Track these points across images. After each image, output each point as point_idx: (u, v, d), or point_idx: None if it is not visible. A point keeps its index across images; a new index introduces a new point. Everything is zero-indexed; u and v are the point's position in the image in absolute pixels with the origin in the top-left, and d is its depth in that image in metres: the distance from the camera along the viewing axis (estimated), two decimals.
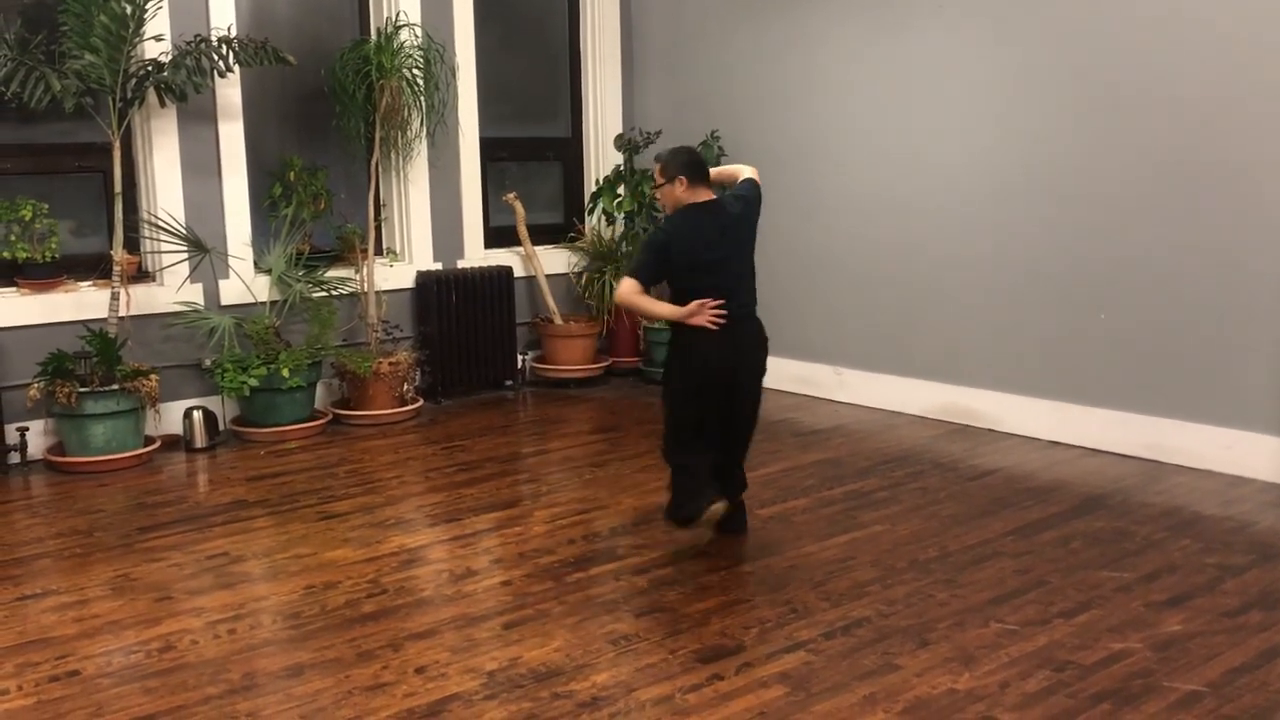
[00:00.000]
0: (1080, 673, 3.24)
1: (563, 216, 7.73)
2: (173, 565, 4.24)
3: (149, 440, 5.72)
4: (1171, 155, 5.15)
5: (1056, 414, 5.67)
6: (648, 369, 7.32)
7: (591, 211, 7.46)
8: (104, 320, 5.60)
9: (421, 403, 6.65)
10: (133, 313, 5.79)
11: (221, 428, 6.09)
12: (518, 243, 7.22)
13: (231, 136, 6.14)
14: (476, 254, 7.13)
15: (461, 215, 7.06)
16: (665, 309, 4.15)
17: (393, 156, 6.68)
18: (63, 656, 3.46)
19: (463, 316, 6.86)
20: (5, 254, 5.56)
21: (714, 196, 4.27)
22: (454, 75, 6.82)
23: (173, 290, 5.99)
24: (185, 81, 5.63)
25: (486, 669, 3.32)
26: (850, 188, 6.51)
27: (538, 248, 7.30)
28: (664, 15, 7.50)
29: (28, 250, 5.57)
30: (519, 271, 7.22)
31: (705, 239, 4.16)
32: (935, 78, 6.03)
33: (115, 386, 5.43)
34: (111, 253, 5.66)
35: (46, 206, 5.62)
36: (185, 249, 5.96)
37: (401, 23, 6.47)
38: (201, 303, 6.07)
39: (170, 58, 5.68)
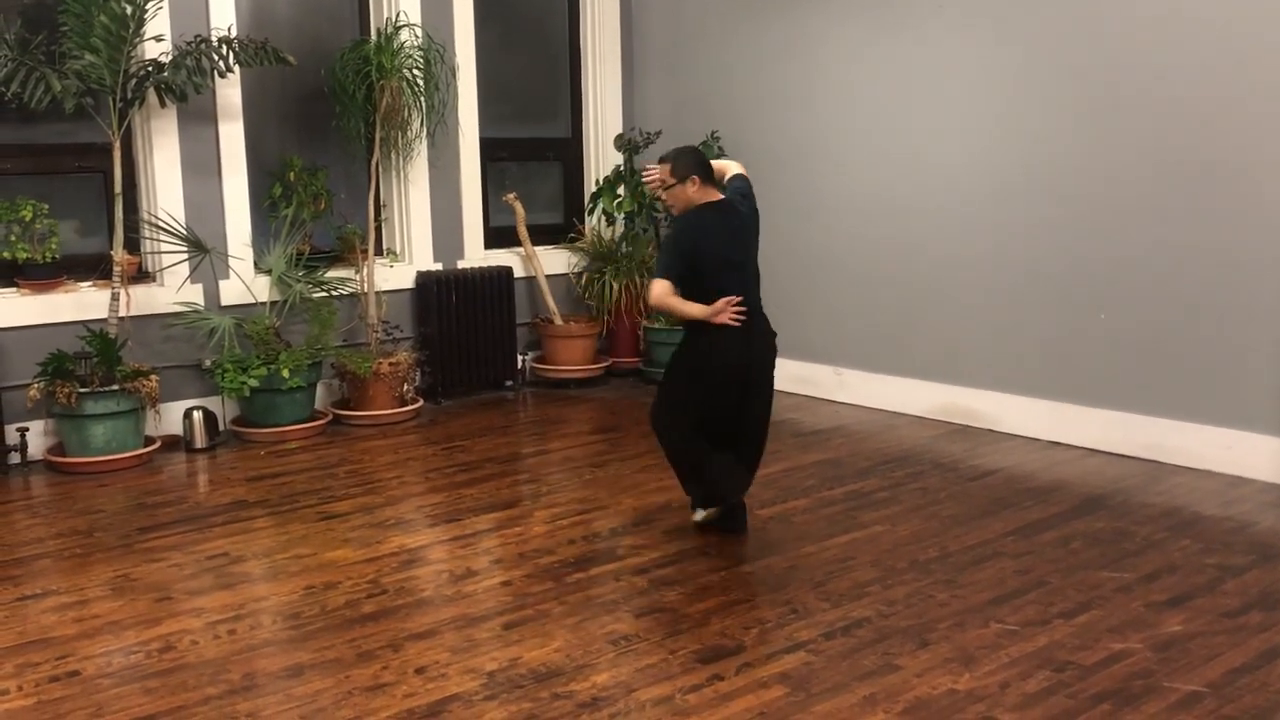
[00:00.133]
0: (1080, 673, 3.24)
1: (563, 217, 7.73)
2: (173, 565, 4.24)
3: (149, 440, 5.72)
4: (1171, 155, 5.15)
5: (1056, 414, 5.67)
6: (648, 369, 7.32)
7: (591, 212, 7.46)
8: (104, 320, 5.60)
9: (421, 403, 6.66)
10: (133, 313, 5.79)
11: (221, 428, 6.09)
12: (518, 243, 7.22)
13: (232, 137, 6.14)
14: (476, 254, 7.13)
15: (461, 215, 7.06)
16: (695, 308, 4.13)
17: (393, 157, 6.68)
18: (63, 657, 3.46)
19: (463, 317, 6.86)
20: (5, 254, 5.56)
21: (721, 196, 4.29)
22: (454, 75, 6.82)
23: (173, 290, 5.99)
24: (185, 82, 5.64)
25: (486, 669, 3.32)
26: (850, 188, 6.51)
27: (538, 248, 7.30)
28: (664, 15, 7.51)
29: (28, 250, 5.57)
30: (519, 272, 7.22)
31: (721, 238, 4.22)
32: (935, 78, 6.03)
33: (115, 387, 5.43)
34: (112, 253, 5.66)
35: (47, 207, 5.62)
36: (185, 249, 5.96)
37: (401, 23, 6.47)
38: (202, 303, 6.07)
39: (170, 58, 5.69)
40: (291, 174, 6.33)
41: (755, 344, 4.23)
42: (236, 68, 5.81)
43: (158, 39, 5.68)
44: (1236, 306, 5.00)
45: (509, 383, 7.20)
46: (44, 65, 5.33)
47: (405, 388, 6.54)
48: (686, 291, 4.18)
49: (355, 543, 4.44)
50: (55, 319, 5.65)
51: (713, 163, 4.71)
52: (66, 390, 5.32)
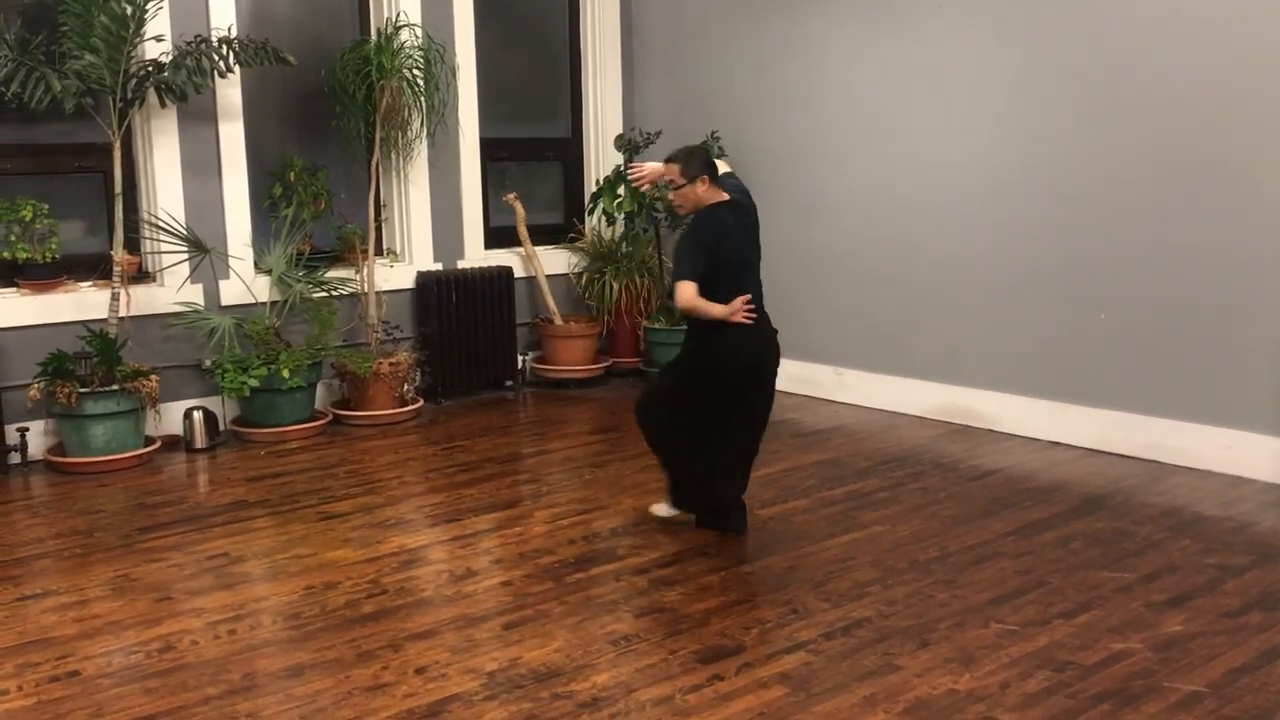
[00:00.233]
0: (1081, 673, 3.24)
1: (563, 217, 7.73)
2: (173, 565, 4.24)
3: (149, 441, 5.72)
4: (1171, 155, 5.15)
5: (1056, 414, 5.67)
6: (648, 369, 7.33)
7: (591, 212, 7.46)
8: (104, 320, 5.60)
9: (422, 403, 6.65)
10: (133, 313, 5.78)
11: (222, 428, 6.09)
12: (518, 243, 7.22)
13: (232, 137, 6.14)
14: (477, 254, 7.13)
15: (462, 215, 7.06)
16: (718, 309, 4.13)
17: (393, 157, 6.68)
18: (63, 657, 3.46)
19: (463, 317, 6.86)
20: (5, 254, 5.56)
21: (727, 195, 4.30)
22: (454, 75, 6.82)
23: (173, 290, 5.99)
24: (185, 82, 5.63)
25: (486, 669, 3.32)
26: (850, 188, 6.51)
27: (538, 248, 7.30)
28: (664, 15, 7.50)
29: (28, 250, 5.57)
30: (519, 272, 7.22)
31: (736, 237, 4.25)
32: (935, 78, 6.03)
33: (115, 387, 5.43)
34: (112, 253, 5.66)
35: (47, 207, 5.62)
36: (185, 249, 5.96)
37: (402, 23, 6.47)
38: (202, 303, 6.07)
39: (170, 58, 5.68)
40: (292, 174, 6.33)
41: (766, 342, 4.30)
42: (237, 68, 5.81)
43: (158, 39, 5.68)
44: (1236, 306, 5.00)
45: (509, 383, 7.20)
46: (44, 65, 5.33)
47: (405, 388, 6.54)
48: (702, 291, 4.18)
49: (355, 543, 4.44)
50: (55, 319, 5.65)
51: None
52: (67, 390, 5.32)
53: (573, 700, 3.12)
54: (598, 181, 7.51)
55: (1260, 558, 4.11)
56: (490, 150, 7.25)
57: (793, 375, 6.79)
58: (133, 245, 5.88)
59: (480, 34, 7.04)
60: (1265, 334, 4.93)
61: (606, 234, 7.52)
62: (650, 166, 4.83)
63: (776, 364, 4.36)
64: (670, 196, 4.36)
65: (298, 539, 4.50)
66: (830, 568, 4.08)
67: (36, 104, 5.26)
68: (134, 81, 5.56)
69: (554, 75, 7.67)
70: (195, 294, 6.06)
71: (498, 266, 7.08)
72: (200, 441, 5.87)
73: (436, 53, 6.56)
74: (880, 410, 6.43)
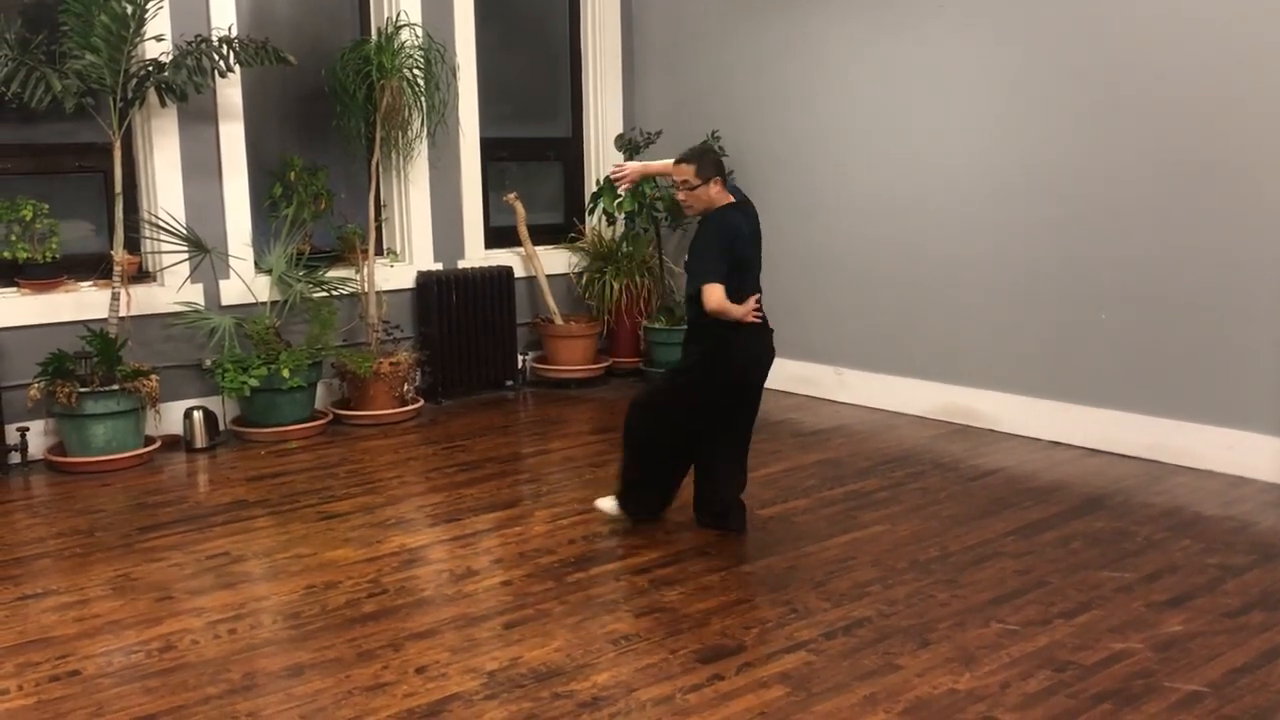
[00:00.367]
0: (1081, 673, 3.24)
1: (563, 217, 7.73)
2: (173, 565, 4.24)
3: (149, 440, 5.72)
4: (1171, 155, 5.15)
5: (1057, 414, 5.67)
6: (649, 369, 7.33)
7: (592, 212, 7.46)
8: (104, 320, 5.60)
9: (422, 403, 6.65)
10: (133, 313, 5.78)
11: (222, 428, 6.09)
12: (518, 243, 7.22)
13: (232, 136, 6.14)
14: (477, 254, 7.13)
15: (462, 215, 7.06)
16: (738, 310, 4.16)
17: (393, 156, 6.68)
18: (63, 656, 3.46)
19: (463, 317, 6.86)
20: (6, 254, 5.56)
21: (733, 198, 4.32)
22: (454, 75, 6.82)
23: (173, 290, 5.99)
24: (186, 81, 5.64)
25: (487, 669, 3.32)
26: (850, 188, 6.51)
27: (538, 248, 7.30)
28: (664, 15, 7.51)
29: (28, 250, 5.57)
30: (519, 272, 7.22)
31: (746, 238, 4.28)
32: (935, 78, 6.03)
33: (115, 386, 5.43)
34: (112, 253, 5.66)
35: (47, 206, 5.62)
36: (186, 249, 5.96)
37: (402, 23, 6.47)
38: (202, 303, 6.07)
39: (171, 58, 5.68)
40: (292, 174, 6.32)
41: (766, 341, 4.36)
42: (237, 67, 5.81)
43: (158, 39, 5.68)
44: (1236, 306, 5.00)
45: (509, 383, 7.20)
46: (44, 65, 5.33)
47: (405, 387, 6.54)
48: None
49: (356, 542, 4.44)
50: (55, 319, 5.65)
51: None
52: (67, 390, 5.32)
53: (573, 700, 3.12)
54: (598, 181, 7.50)
55: (1261, 558, 4.11)
56: (490, 150, 7.25)
57: (793, 375, 6.80)
58: (133, 245, 5.88)
59: (481, 34, 7.04)
60: (1265, 334, 4.93)
61: (607, 234, 7.52)
62: (632, 166, 4.85)
63: (771, 362, 4.44)
64: (680, 197, 4.33)
65: (298, 538, 4.50)
66: (830, 567, 4.08)
67: (37, 104, 5.26)
68: (134, 81, 5.56)
69: (554, 75, 7.67)
70: (195, 294, 6.06)
71: (498, 266, 7.08)
72: (200, 441, 5.87)
73: (437, 52, 6.56)
74: (881, 410, 6.43)
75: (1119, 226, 5.36)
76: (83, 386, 5.37)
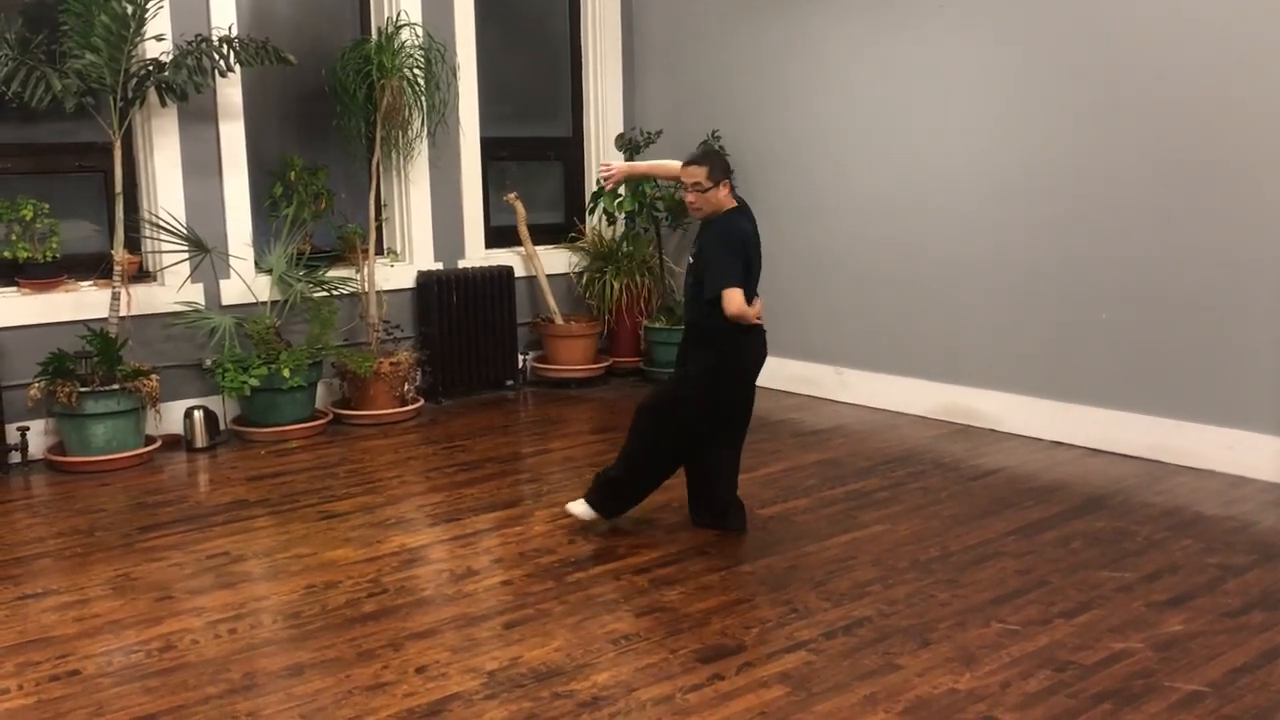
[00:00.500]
0: (1081, 673, 3.24)
1: (563, 216, 7.74)
2: (173, 565, 4.24)
3: (150, 440, 5.72)
4: (1171, 155, 5.15)
5: (1058, 414, 5.67)
6: (649, 369, 7.33)
7: (592, 211, 7.46)
8: (105, 320, 5.60)
9: (422, 402, 6.66)
10: (133, 312, 5.79)
11: (222, 427, 6.09)
12: (518, 242, 7.22)
13: (232, 136, 6.14)
14: (477, 254, 7.13)
15: (462, 215, 7.06)
16: (752, 312, 4.19)
17: (393, 156, 6.68)
18: (63, 656, 3.46)
19: (463, 316, 6.86)
20: (6, 254, 5.56)
21: (735, 201, 4.35)
22: (455, 75, 6.82)
23: (173, 290, 5.99)
24: (186, 81, 5.64)
25: (487, 669, 3.32)
26: (850, 188, 6.51)
27: (538, 247, 7.30)
28: (664, 15, 7.51)
29: (28, 250, 5.57)
30: (520, 271, 7.22)
31: (754, 241, 4.31)
32: (935, 78, 6.02)
33: (116, 386, 5.43)
34: (112, 252, 5.66)
35: (47, 206, 5.62)
36: (186, 249, 5.96)
37: (402, 22, 6.47)
38: (202, 302, 6.07)
39: (171, 57, 5.69)
40: (292, 173, 6.32)
41: (764, 341, 4.42)
42: (237, 67, 5.81)
43: (158, 38, 5.68)
44: (1237, 306, 5.00)
45: (510, 382, 7.20)
46: (45, 64, 5.33)
47: (406, 387, 6.54)
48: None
49: (356, 542, 4.44)
50: (56, 318, 5.65)
51: (663, 163, 4.86)
52: (67, 390, 5.32)
53: (573, 699, 3.12)
54: (598, 181, 7.50)
55: (1261, 557, 4.11)
56: (491, 150, 7.25)
57: (794, 375, 6.81)
58: (133, 245, 5.88)
59: (481, 33, 7.04)
60: (1265, 334, 4.93)
61: (607, 233, 7.52)
62: (618, 166, 4.85)
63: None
64: (690, 200, 4.28)
65: (298, 538, 4.50)
66: (831, 567, 4.08)
67: (37, 103, 5.26)
68: (134, 81, 5.56)
69: (554, 75, 7.67)
70: (196, 293, 6.06)
71: (498, 266, 7.08)
72: (201, 441, 5.87)
73: (437, 52, 6.56)
74: (881, 410, 6.43)
75: (1119, 226, 5.36)
76: (83, 386, 5.37)
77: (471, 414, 6.61)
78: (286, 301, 6.18)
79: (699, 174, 4.22)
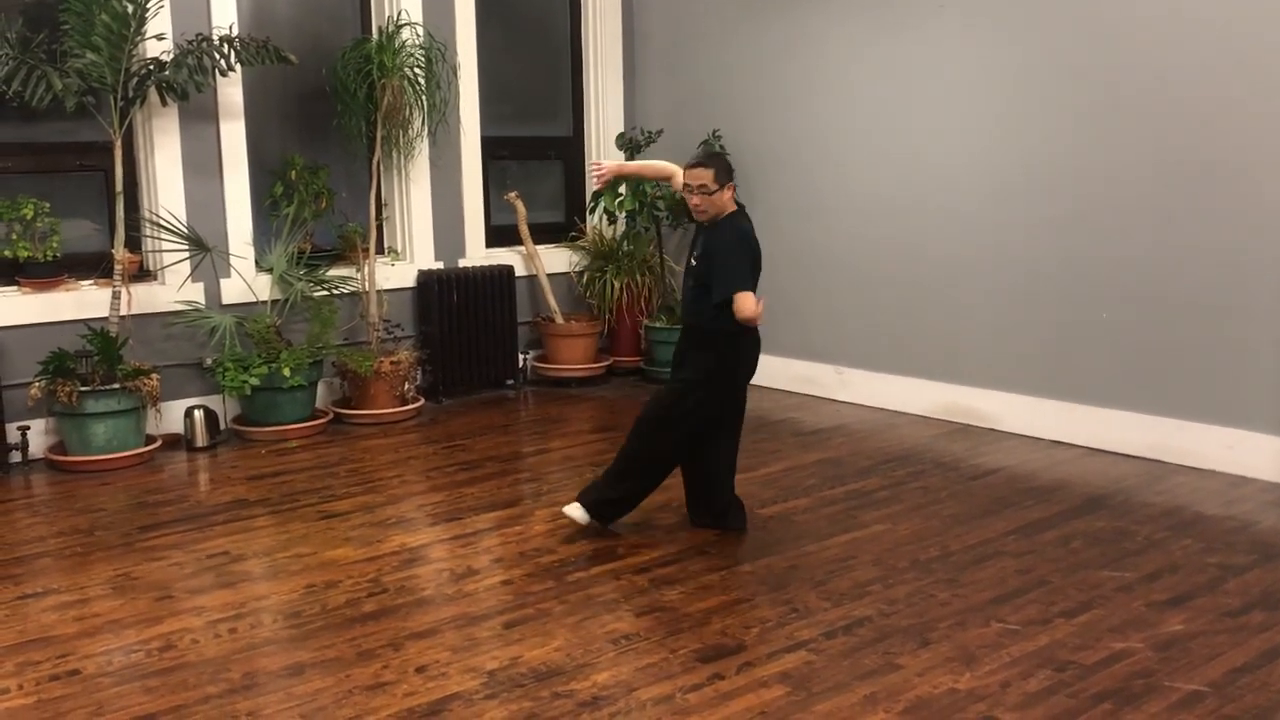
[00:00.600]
0: (1081, 672, 3.24)
1: (564, 215, 7.74)
2: (173, 564, 4.24)
3: (150, 439, 5.72)
4: (1171, 155, 5.15)
5: (1058, 414, 5.67)
6: (649, 368, 7.33)
7: (593, 210, 7.46)
8: (105, 319, 5.60)
9: (422, 402, 6.66)
10: (134, 312, 5.79)
11: (222, 427, 6.09)
12: (519, 242, 7.22)
13: (233, 135, 6.14)
14: (478, 253, 7.13)
15: (463, 214, 7.06)
16: (761, 315, 4.20)
17: (394, 155, 6.68)
18: (63, 655, 3.46)
19: (464, 316, 6.86)
20: (6, 253, 5.56)
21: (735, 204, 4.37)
22: (455, 74, 6.82)
23: (174, 289, 5.99)
24: (187, 80, 5.64)
25: (487, 668, 3.32)
26: (850, 188, 6.51)
27: (539, 247, 7.31)
28: (665, 15, 7.51)
29: (29, 249, 5.57)
30: (520, 270, 7.22)
31: (757, 243, 4.31)
32: (935, 78, 6.02)
33: (116, 385, 5.43)
34: (113, 251, 5.67)
35: (48, 205, 5.62)
36: (186, 248, 5.96)
37: (403, 22, 6.47)
38: (203, 302, 6.07)
39: (172, 57, 5.69)
40: (293, 173, 6.32)
41: (759, 339, 4.42)
42: (238, 66, 5.81)
43: (159, 37, 5.68)
44: (1237, 306, 5.00)
45: (510, 381, 7.20)
46: (45, 64, 5.33)
47: (406, 386, 6.54)
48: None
49: (356, 541, 4.44)
50: (56, 317, 5.65)
51: (651, 162, 4.87)
52: (67, 389, 5.32)
53: (573, 699, 3.12)
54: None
55: (1261, 557, 4.11)
56: (491, 149, 7.26)
57: (794, 374, 6.81)
58: (134, 244, 5.88)
59: (481, 33, 7.04)
60: (1266, 334, 4.93)
61: (608, 233, 7.52)
62: (607, 165, 4.84)
63: None
64: (695, 202, 4.24)
65: (298, 538, 4.50)
66: (831, 567, 4.08)
67: (38, 102, 5.26)
68: (135, 80, 5.56)
69: (555, 74, 7.67)
70: (196, 293, 6.06)
71: (499, 265, 7.08)
72: (201, 440, 5.87)
73: (438, 51, 6.56)
74: (881, 409, 6.43)
75: (1119, 226, 5.36)
76: (83, 385, 5.37)
77: (472, 413, 6.61)
78: (287, 301, 6.18)
79: (706, 176, 4.20)
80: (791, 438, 5.91)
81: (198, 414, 5.87)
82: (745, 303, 4.09)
